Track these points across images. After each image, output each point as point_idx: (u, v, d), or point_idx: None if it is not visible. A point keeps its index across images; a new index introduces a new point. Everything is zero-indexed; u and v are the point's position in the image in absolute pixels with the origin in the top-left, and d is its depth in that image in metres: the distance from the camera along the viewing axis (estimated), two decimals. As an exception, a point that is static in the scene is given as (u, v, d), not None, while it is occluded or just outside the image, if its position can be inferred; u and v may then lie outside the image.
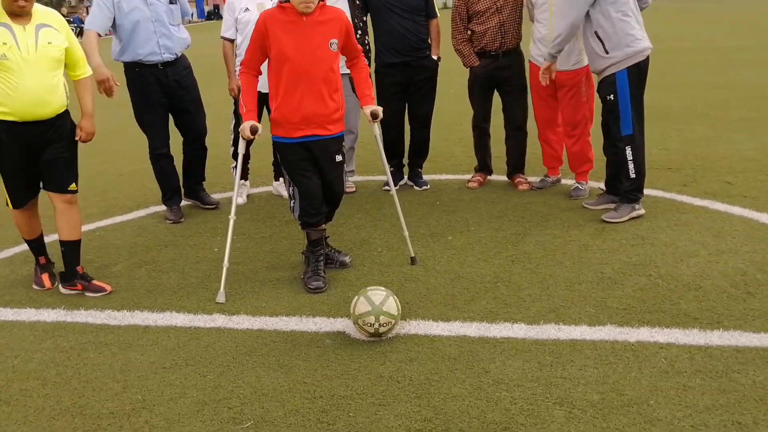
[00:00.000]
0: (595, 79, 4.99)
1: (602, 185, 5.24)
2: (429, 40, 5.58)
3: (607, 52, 4.65)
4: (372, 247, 4.57)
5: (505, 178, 5.82)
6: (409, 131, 5.84)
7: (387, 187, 5.70)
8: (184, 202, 5.54)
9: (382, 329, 3.34)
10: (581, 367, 3.05)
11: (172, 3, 5.12)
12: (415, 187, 5.83)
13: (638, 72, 4.59)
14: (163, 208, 5.43)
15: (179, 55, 5.18)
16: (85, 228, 5.15)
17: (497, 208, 5.21)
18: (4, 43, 3.59)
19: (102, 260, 4.58)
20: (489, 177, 5.89)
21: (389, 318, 3.34)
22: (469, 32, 5.44)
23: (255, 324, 3.62)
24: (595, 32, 4.65)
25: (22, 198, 4.03)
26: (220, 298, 3.89)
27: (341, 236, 4.75)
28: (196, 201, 5.59)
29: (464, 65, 5.58)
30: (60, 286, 4.12)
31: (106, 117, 8.66)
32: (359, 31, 5.47)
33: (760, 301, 3.55)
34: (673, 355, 3.10)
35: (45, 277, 4.18)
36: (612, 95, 4.71)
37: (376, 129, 4.20)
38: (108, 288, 4.08)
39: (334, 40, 3.84)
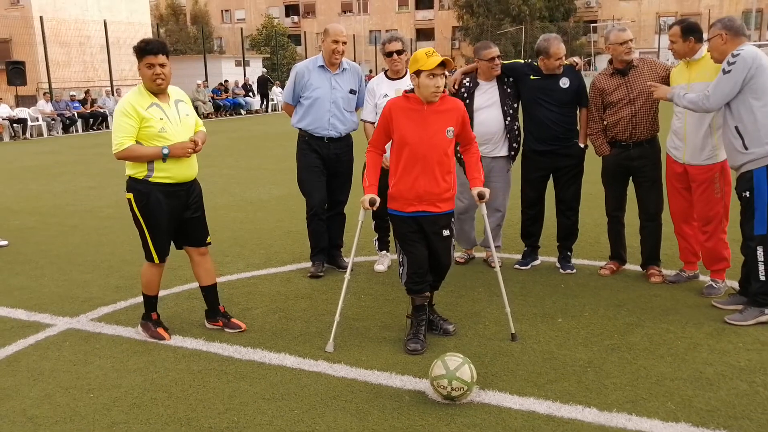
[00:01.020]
0: (733, 175, 4.93)
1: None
2: (578, 127, 5.81)
3: (746, 148, 4.60)
4: (480, 320, 4.83)
5: (640, 268, 5.80)
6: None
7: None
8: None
9: (454, 393, 3.61)
10: (632, 457, 3.11)
11: (352, 93, 5.93)
12: (560, 269, 5.95)
13: None
14: (310, 263, 6.08)
15: (344, 134, 5.92)
16: (243, 275, 5.99)
17: (619, 297, 5.24)
18: (161, 119, 4.37)
19: (246, 303, 5.29)
20: (623, 266, 5.90)
21: (462, 384, 3.60)
22: (604, 122, 5.61)
23: (350, 374, 4.04)
24: (735, 127, 4.63)
25: (166, 252, 4.58)
26: (329, 347, 4.38)
27: (455, 307, 5.07)
28: (331, 265, 6.13)
29: (596, 154, 5.73)
30: (205, 321, 4.84)
31: (286, 181, 9.73)
32: (508, 118, 5.84)
33: None
34: (734, 462, 3.06)
35: (162, 330, 4.64)
36: (747, 192, 4.65)
37: (484, 209, 4.53)
38: (243, 326, 4.74)
39: (451, 128, 4.27)
